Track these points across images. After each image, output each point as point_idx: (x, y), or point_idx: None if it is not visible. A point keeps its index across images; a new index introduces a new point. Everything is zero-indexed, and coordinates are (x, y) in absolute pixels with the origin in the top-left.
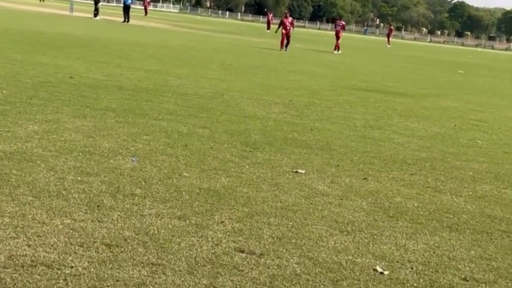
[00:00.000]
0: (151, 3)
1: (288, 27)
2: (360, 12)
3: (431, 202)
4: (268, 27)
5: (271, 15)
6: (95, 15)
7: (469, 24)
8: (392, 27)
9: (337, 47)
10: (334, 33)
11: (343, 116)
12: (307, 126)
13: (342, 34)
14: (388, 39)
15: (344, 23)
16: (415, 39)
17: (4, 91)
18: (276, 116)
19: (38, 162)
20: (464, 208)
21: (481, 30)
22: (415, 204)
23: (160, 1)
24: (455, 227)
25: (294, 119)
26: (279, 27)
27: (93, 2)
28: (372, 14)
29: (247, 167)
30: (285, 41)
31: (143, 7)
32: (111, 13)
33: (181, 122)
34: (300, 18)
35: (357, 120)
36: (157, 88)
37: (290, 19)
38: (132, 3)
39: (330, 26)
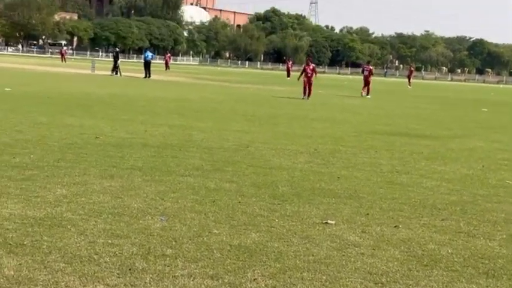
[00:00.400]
0: (172, 57)
1: (309, 74)
2: (379, 54)
3: (465, 248)
4: (288, 75)
5: (291, 62)
6: (116, 72)
7: (489, 61)
8: (412, 68)
9: (367, 91)
10: (362, 78)
11: (369, 162)
12: (334, 175)
13: (371, 78)
14: (409, 80)
15: (372, 68)
16: (435, 78)
17: (32, 155)
18: (302, 165)
19: (69, 227)
20: (499, 252)
21: (501, 67)
22: (449, 251)
23: (180, 54)
24: (492, 273)
25: (320, 167)
26: (301, 75)
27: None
28: (390, 56)
29: (276, 220)
30: (307, 89)
31: (164, 62)
32: (132, 69)
33: (208, 177)
34: (319, 63)
35: (384, 166)
36: (182, 143)
37: (312, 66)
38: (152, 58)
39: (349, 70)
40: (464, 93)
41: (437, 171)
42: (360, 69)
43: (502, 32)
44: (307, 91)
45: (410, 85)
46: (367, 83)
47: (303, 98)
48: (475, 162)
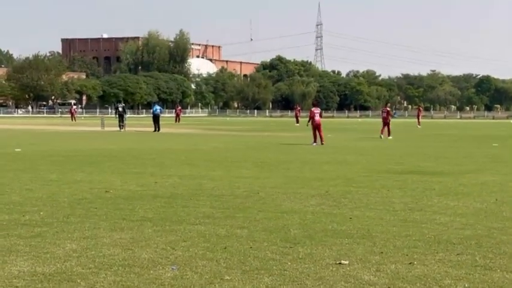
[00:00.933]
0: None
1: (317, 119)
2: (387, 96)
3: (482, 281)
4: (297, 121)
5: (299, 108)
6: (122, 127)
7: (497, 97)
8: (421, 108)
9: (388, 132)
10: (381, 119)
11: (382, 202)
12: (346, 216)
13: (390, 119)
14: (418, 119)
15: (389, 109)
16: (444, 117)
17: (41, 212)
18: (313, 208)
19: (78, 281)
20: None
21: (510, 102)
22: (466, 285)
23: (189, 107)
24: None
25: (331, 209)
26: (309, 121)
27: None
28: (398, 97)
29: (289, 263)
30: (317, 133)
31: (175, 114)
32: (141, 124)
33: (218, 225)
34: (327, 108)
35: (396, 204)
36: (193, 193)
37: (319, 110)
38: (161, 112)
39: (358, 113)
40: (474, 130)
41: (450, 207)
42: (369, 112)
43: (508, 67)
44: (316, 135)
45: (419, 125)
46: (386, 124)
47: (312, 144)
48: (488, 196)
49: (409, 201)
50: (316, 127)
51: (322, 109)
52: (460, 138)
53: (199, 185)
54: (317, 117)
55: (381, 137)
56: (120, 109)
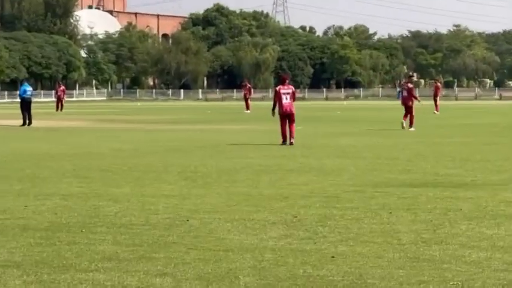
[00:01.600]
0: (65, 91)
1: (287, 103)
2: (387, 66)
3: None
4: (248, 107)
5: (249, 86)
6: None
7: None
8: (439, 84)
9: (410, 121)
10: (400, 102)
11: (380, 230)
12: (326, 254)
13: (414, 102)
14: (436, 102)
15: (412, 86)
16: (476, 97)
17: None
18: (274, 243)
19: None
20: None
21: None
22: None
23: (77, 86)
24: None
25: (303, 244)
26: (274, 106)
27: None
28: (405, 67)
29: None
30: (287, 128)
31: (55, 99)
32: (1, 113)
33: (127, 271)
34: (295, 85)
35: (403, 234)
36: (85, 221)
37: (291, 89)
38: (32, 95)
39: (343, 92)
40: None
41: (486, 237)
42: (360, 90)
43: None
44: (287, 131)
45: (437, 110)
46: (408, 108)
47: (282, 144)
48: None
49: (423, 230)
50: (287, 117)
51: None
52: (501, 130)
53: (94, 209)
54: (287, 101)
55: (402, 127)
56: None
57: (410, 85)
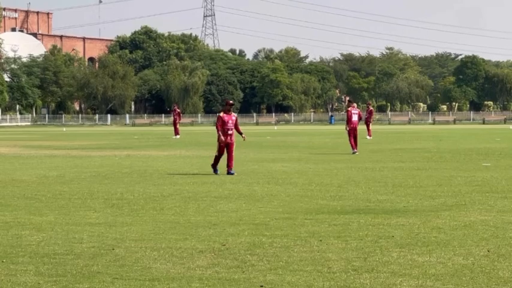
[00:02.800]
0: None
1: (231, 130)
2: (319, 90)
3: None
4: (176, 132)
5: (178, 110)
6: None
7: (489, 90)
8: (371, 108)
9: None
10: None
11: (311, 259)
12: (255, 283)
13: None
14: (368, 126)
15: (372, 109)
16: (409, 122)
17: None
18: (202, 272)
19: None
20: None
21: (509, 97)
22: None
23: (0, 113)
24: None
25: (232, 273)
26: (219, 132)
27: None
28: (337, 92)
29: None
30: (227, 156)
31: None
32: None
33: None
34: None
35: (333, 262)
36: (6, 251)
37: (234, 116)
38: None
39: (274, 117)
40: (453, 141)
41: (418, 265)
42: (291, 115)
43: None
44: (229, 157)
45: (370, 135)
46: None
47: (215, 173)
48: (475, 245)
49: (354, 258)
50: (228, 146)
51: (216, 111)
52: (434, 155)
53: (16, 239)
54: (231, 127)
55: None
56: None
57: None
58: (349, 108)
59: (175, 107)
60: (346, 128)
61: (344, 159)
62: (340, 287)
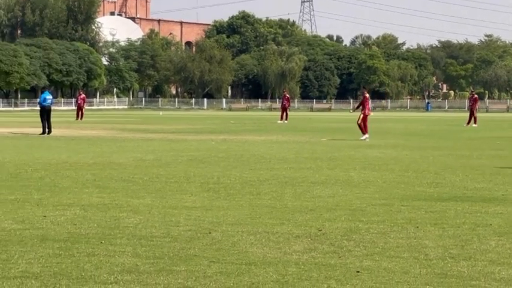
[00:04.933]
0: (86, 99)
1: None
2: (416, 77)
3: None
4: (284, 116)
5: (288, 96)
6: None
7: None
8: (476, 96)
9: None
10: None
11: (407, 245)
12: (351, 268)
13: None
14: (473, 114)
15: (476, 96)
16: (507, 109)
17: None
18: (298, 257)
19: None
20: None
21: None
22: None
23: (98, 94)
24: None
25: (328, 258)
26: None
27: None
28: (434, 79)
29: None
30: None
31: (75, 107)
32: (21, 122)
33: (147, 284)
34: (319, 97)
35: (430, 249)
36: (104, 232)
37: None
38: (52, 103)
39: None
40: None
41: None
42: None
43: None
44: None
45: (476, 122)
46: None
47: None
48: None
49: (451, 245)
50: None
51: (313, 96)
52: None
53: (114, 221)
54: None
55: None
56: None
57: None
58: (367, 95)
59: (285, 92)
60: (351, 111)
61: (441, 146)
62: (437, 274)
